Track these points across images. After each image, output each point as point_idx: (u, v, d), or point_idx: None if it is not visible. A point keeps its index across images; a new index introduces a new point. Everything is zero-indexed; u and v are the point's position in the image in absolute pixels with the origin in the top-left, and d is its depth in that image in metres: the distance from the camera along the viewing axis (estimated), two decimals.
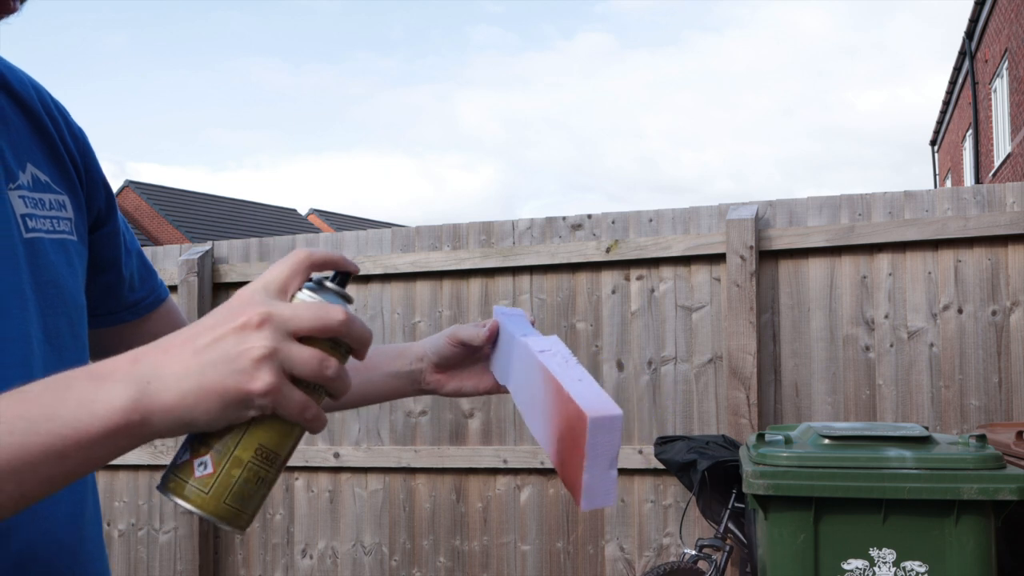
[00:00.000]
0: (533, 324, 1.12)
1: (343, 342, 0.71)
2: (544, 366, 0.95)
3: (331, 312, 0.69)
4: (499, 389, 1.14)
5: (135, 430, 0.65)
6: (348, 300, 0.74)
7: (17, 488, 0.63)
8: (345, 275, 0.75)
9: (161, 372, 0.66)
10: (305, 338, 0.69)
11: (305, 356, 0.67)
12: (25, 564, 0.81)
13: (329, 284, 0.74)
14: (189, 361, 0.66)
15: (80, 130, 0.99)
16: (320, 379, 0.69)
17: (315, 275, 0.74)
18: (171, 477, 0.71)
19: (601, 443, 0.87)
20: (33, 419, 0.63)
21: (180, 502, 0.70)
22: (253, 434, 0.70)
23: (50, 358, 0.86)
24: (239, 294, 0.70)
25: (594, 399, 0.88)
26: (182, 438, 0.72)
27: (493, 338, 1.12)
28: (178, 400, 0.65)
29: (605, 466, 0.88)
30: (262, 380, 0.66)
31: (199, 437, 0.70)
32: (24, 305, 0.83)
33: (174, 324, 1.11)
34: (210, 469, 0.69)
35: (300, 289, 0.72)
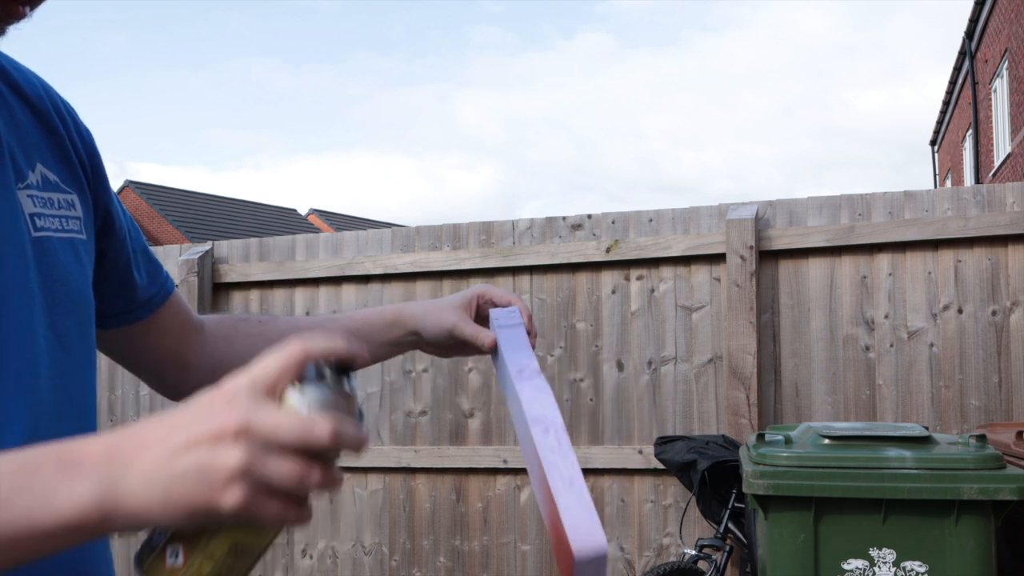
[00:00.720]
0: (529, 332, 1.12)
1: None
2: (537, 449, 0.94)
3: (318, 429, 0.62)
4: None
5: (92, 528, 0.63)
6: (350, 396, 0.68)
7: None
8: (348, 364, 0.69)
9: (130, 473, 0.62)
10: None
11: (284, 471, 0.62)
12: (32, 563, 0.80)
13: (328, 375, 0.67)
14: (160, 465, 0.62)
15: (87, 131, 0.99)
16: (302, 491, 0.64)
17: (316, 363, 0.67)
18: (145, 558, 0.69)
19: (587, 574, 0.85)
20: None
21: None
22: (228, 533, 0.67)
23: (57, 356, 0.85)
24: (225, 387, 0.65)
25: (582, 527, 0.85)
26: None
27: (495, 346, 1.12)
28: (142, 506, 0.62)
29: (580, 502, 0.87)
30: (232, 496, 0.61)
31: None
32: (31, 303, 0.83)
33: (181, 317, 1.11)
34: (181, 561, 0.67)
35: (293, 383, 0.66)
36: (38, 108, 0.92)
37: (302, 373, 0.67)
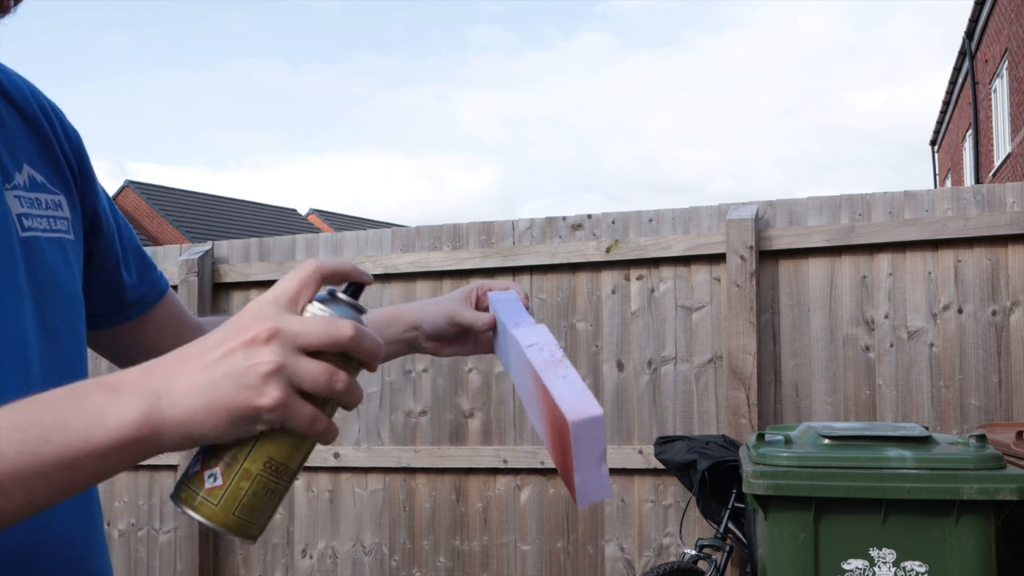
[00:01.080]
0: (527, 306, 1.15)
1: (353, 356, 0.71)
2: (531, 363, 0.97)
3: (340, 327, 0.69)
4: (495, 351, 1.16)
5: (145, 443, 0.66)
6: (361, 311, 0.74)
7: (27, 495, 0.64)
8: (358, 286, 0.75)
9: (172, 387, 0.67)
10: (315, 352, 0.69)
11: (314, 371, 0.67)
12: (28, 556, 0.81)
13: (341, 296, 0.73)
14: (199, 376, 0.67)
15: (74, 131, 1.00)
16: (330, 393, 0.69)
17: (328, 287, 0.74)
18: (183, 488, 0.71)
19: (586, 444, 0.89)
20: (46, 428, 0.64)
21: (191, 513, 0.70)
22: (263, 447, 0.70)
23: (48, 353, 0.86)
24: (250, 307, 0.70)
25: (576, 400, 0.89)
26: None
27: (493, 325, 1.15)
28: (187, 415, 0.66)
29: (594, 464, 0.90)
30: (270, 395, 0.66)
31: (210, 449, 0.71)
32: (21, 302, 0.84)
33: (177, 317, 1.11)
34: (220, 481, 0.70)
35: (311, 301, 0.72)
36: (25, 111, 0.93)
37: (317, 293, 0.72)
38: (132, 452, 0.66)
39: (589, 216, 4.39)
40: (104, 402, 0.66)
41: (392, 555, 4.57)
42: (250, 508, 0.71)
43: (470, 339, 1.18)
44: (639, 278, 4.30)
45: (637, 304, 4.29)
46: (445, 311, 1.16)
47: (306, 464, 4.85)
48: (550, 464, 4.31)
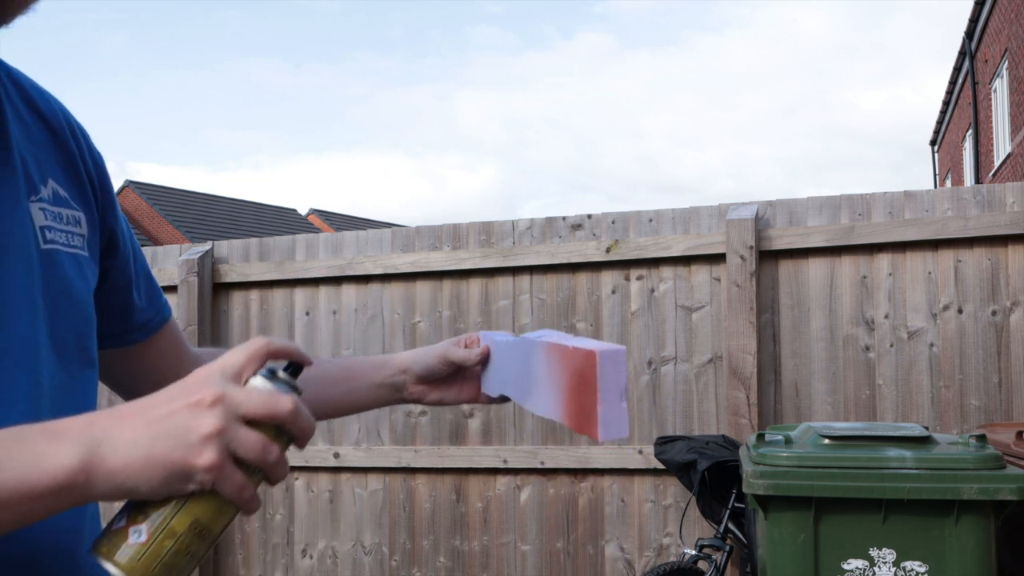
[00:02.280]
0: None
1: (287, 431, 0.74)
2: (545, 342, 1.05)
3: (281, 402, 0.72)
4: (479, 399, 1.19)
5: (78, 490, 0.68)
6: (298, 392, 0.77)
7: None
8: (298, 366, 0.79)
9: (112, 437, 0.69)
10: (252, 423, 0.72)
11: (251, 440, 0.71)
12: (26, 566, 0.82)
13: (281, 374, 0.77)
14: (141, 430, 0.69)
15: (99, 154, 1.02)
16: (262, 463, 0.72)
17: (270, 364, 0.78)
18: (104, 541, 0.72)
19: (610, 375, 0.96)
20: None
21: (109, 567, 0.71)
22: (190, 508, 0.72)
23: (54, 366, 0.88)
24: (197, 372, 0.74)
25: (598, 344, 0.98)
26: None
27: (485, 359, 1.17)
28: (124, 466, 0.68)
29: (616, 398, 0.96)
30: (207, 457, 0.69)
31: (137, 505, 0.72)
32: (34, 313, 0.86)
33: (178, 344, 1.13)
34: (144, 538, 0.71)
35: (254, 375, 0.76)
36: (54, 128, 0.96)
37: (261, 368, 0.77)
38: (64, 498, 0.68)
39: (589, 216, 4.39)
40: (44, 446, 0.67)
41: (392, 555, 4.57)
42: (169, 567, 0.71)
43: (457, 381, 1.20)
44: (639, 278, 4.30)
45: (637, 304, 4.29)
46: (438, 351, 1.19)
47: (306, 464, 4.85)
48: (550, 464, 4.31)
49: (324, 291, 4.76)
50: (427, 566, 4.51)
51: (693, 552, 3.74)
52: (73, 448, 0.68)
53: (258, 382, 0.75)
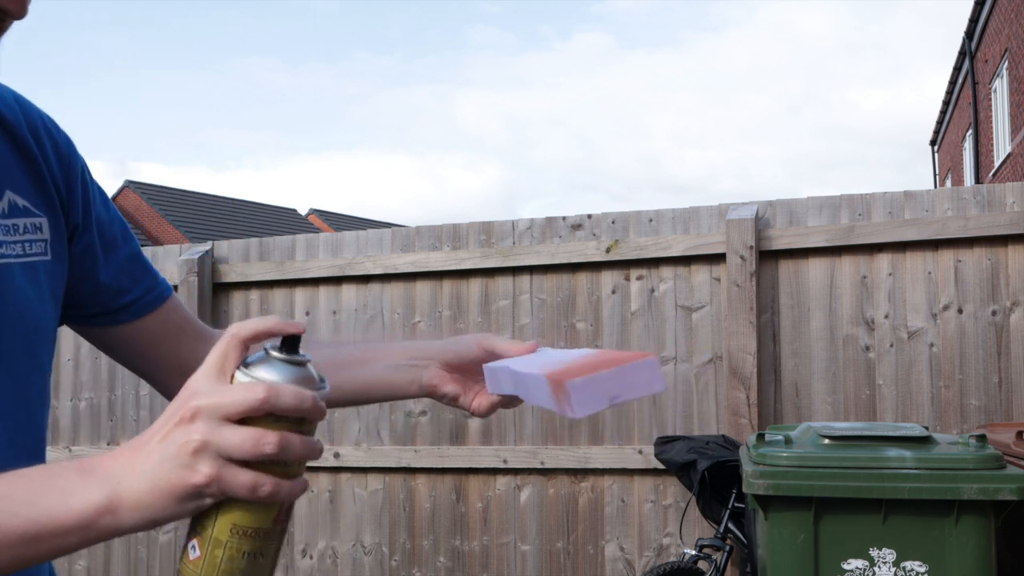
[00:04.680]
0: None
1: (280, 414, 0.71)
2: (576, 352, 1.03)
3: (252, 392, 0.70)
4: (489, 412, 1.13)
5: (106, 525, 0.70)
6: (299, 363, 0.74)
7: None
8: (292, 338, 0.74)
9: (128, 472, 0.71)
10: (249, 418, 0.70)
11: (237, 440, 0.69)
12: None
13: (273, 353, 0.74)
14: (145, 461, 0.71)
15: (66, 142, 1.02)
16: (261, 457, 0.70)
17: (266, 345, 0.74)
18: (180, 561, 0.76)
19: (634, 376, 0.97)
20: (16, 501, 0.69)
21: None
22: (224, 516, 0.72)
23: (2, 378, 0.90)
24: (187, 384, 0.73)
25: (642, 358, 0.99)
26: None
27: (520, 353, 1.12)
28: (140, 498, 0.70)
29: (612, 392, 0.97)
30: (201, 472, 0.69)
31: (192, 523, 0.74)
32: None
33: (178, 325, 1.13)
34: (198, 552, 0.73)
35: (240, 367, 0.73)
36: (14, 131, 0.96)
37: (247, 355, 0.74)
38: (93, 532, 0.70)
39: (589, 216, 4.39)
40: (73, 483, 0.71)
41: (392, 555, 4.57)
42: (231, 573, 0.73)
43: (478, 387, 1.14)
44: (639, 278, 4.30)
45: (637, 304, 4.29)
46: (475, 336, 1.15)
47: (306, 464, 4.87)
48: (550, 464, 4.31)
49: (324, 291, 4.76)
50: (427, 566, 4.51)
51: (693, 552, 3.74)
52: (98, 486, 0.70)
53: (240, 375, 0.73)
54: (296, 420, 0.72)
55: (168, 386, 1.14)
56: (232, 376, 0.73)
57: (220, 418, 0.70)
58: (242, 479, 0.70)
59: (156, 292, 1.11)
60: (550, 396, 0.98)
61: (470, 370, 1.13)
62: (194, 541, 0.73)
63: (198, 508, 0.71)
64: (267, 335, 0.75)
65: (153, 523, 0.71)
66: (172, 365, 1.13)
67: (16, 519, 0.69)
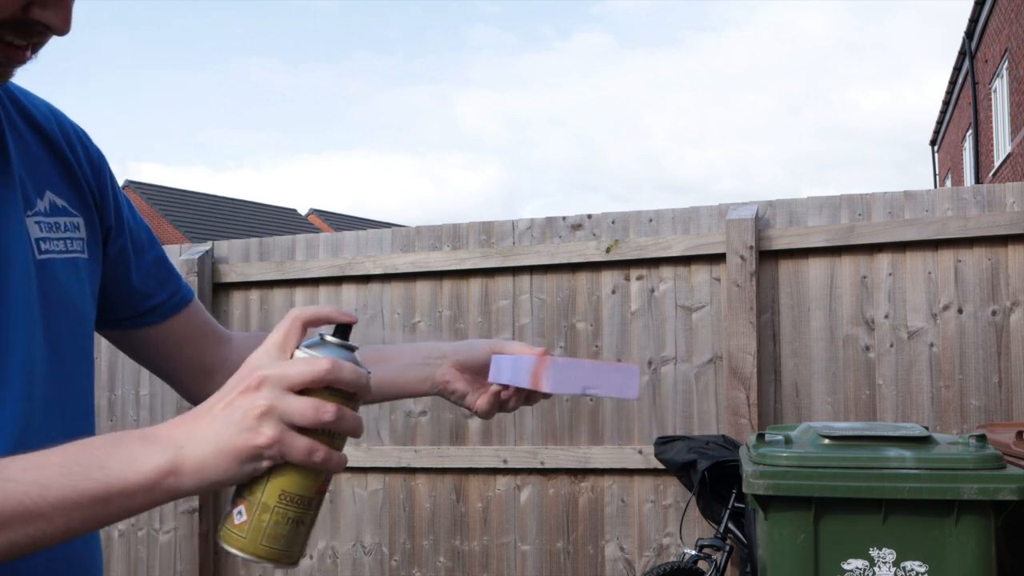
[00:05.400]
0: None
1: (339, 388, 0.79)
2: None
3: (317, 364, 0.78)
4: (488, 411, 1.18)
5: (169, 487, 0.77)
6: (350, 349, 0.82)
7: (65, 522, 0.74)
8: (344, 327, 0.82)
9: (190, 438, 0.77)
10: (307, 390, 0.78)
11: (300, 406, 0.77)
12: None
13: (329, 338, 0.81)
14: (208, 427, 0.78)
15: (97, 152, 1.09)
16: (320, 424, 0.77)
17: (320, 331, 0.83)
18: (221, 527, 0.82)
19: (612, 376, 1.03)
20: (87, 466, 0.75)
21: (226, 547, 0.80)
22: (274, 482, 0.79)
23: (51, 362, 0.96)
24: (248, 360, 0.80)
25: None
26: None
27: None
28: (202, 461, 0.77)
29: (587, 381, 1.03)
30: (265, 434, 0.76)
31: (238, 490, 0.81)
32: (32, 321, 0.94)
33: (201, 328, 1.20)
34: (245, 517, 0.80)
35: (299, 347, 0.81)
36: (50, 138, 1.02)
37: (305, 338, 0.82)
38: (158, 493, 0.77)
39: (589, 216, 4.39)
40: (138, 449, 0.77)
41: (392, 555, 4.57)
42: (275, 537, 0.80)
43: (485, 390, 1.19)
44: (639, 278, 4.30)
45: (637, 304, 4.29)
46: (488, 344, 1.22)
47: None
48: (550, 464, 4.31)
49: (324, 291, 4.76)
50: (427, 566, 4.51)
51: (693, 552, 3.74)
52: (161, 451, 0.76)
53: (301, 353, 0.80)
54: (348, 396, 0.80)
55: (191, 387, 1.21)
56: (292, 354, 0.80)
57: (285, 387, 0.77)
58: (300, 443, 0.77)
59: (180, 295, 1.17)
60: (530, 373, 1.06)
61: (481, 372, 1.20)
62: (241, 506, 0.79)
63: (255, 471, 0.77)
64: (325, 321, 0.82)
65: (213, 484, 0.77)
66: (196, 367, 1.20)
67: (89, 481, 0.74)
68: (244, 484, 0.79)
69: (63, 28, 0.88)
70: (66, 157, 1.03)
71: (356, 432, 0.80)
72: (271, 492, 0.79)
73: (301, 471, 0.79)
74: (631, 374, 1.06)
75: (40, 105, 1.04)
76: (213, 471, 0.77)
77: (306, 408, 0.77)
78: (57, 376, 0.97)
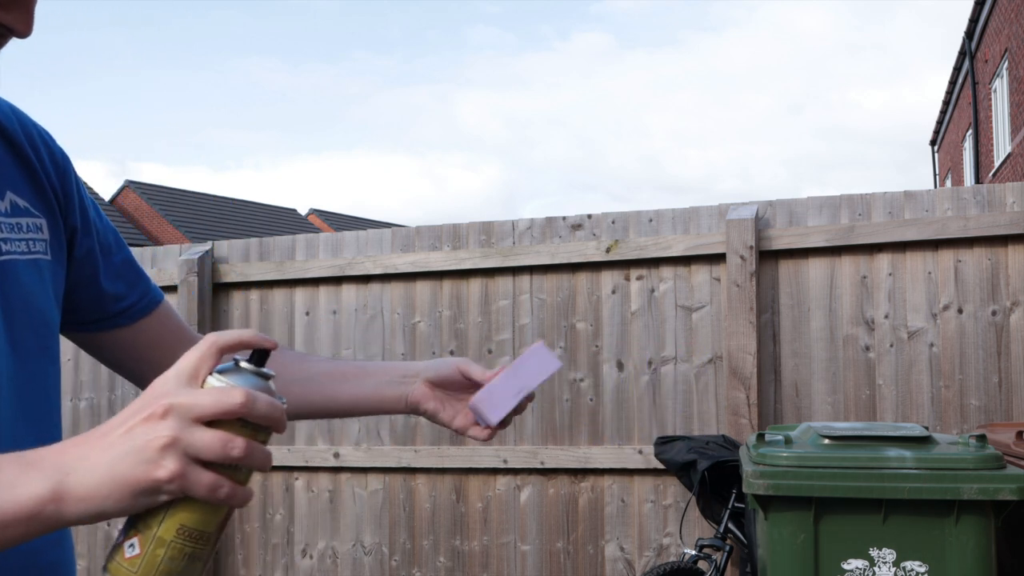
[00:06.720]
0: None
1: (250, 421, 0.73)
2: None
3: (230, 396, 0.72)
4: (465, 431, 1.20)
5: (50, 517, 0.71)
6: (265, 377, 0.76)
7: None
8: (262, 352, 0.77)
9: (79, 465, 0.71)
10: (216, 421, 0.72)
11: (207, 440, 0.71)
12: None
13: (244, 364, 0.76)
14: (103, 453, 0.71)
15: (62, 153, 1.06)
16: (227, 460, 0.72)
17: (236, 356, 0.77)
18: (109, 557, 0.75)
19: (529, 366, 1.07)
20: None
21: None
22: (174, 515, 0.73)
23: (14, 364, 0.94)
24: (154, 384, 0.74)
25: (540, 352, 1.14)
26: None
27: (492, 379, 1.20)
28: (91, 491, 0.71)
29: (515, 388, 1.06)
30: (166, 468, 0.70)
31: (131, 520, 0.74)
32: None
33: (173, 331, 1.17)
34: (138, 551, 0.73)
35: (212, 373, 0.75)
36: (12, 139, 1.00)
37: (219, 364, 0.76)
38: (36, 524, 0.70)
39: (589, 216, 4.39)
40: (17, 475, 0.71)
41: (392, 555, 4.57)
42: (169, 573, 0.74)
43: (459, 406, 1.21)
44: (639, 278, 4.30)
45: (637, 304, 4.29)
46: (455, 361, 1.22)
47: (306, 464, 4.84)
48: (550, 464, 4.31)
49: (324, 291, 4.76)
50: (427, 566, 4.51)
51: (693, 552, 3.74)
52: (42, 478, 0.70)
53: (214, 380, 0.74)
54: (259, 429, 0.74)
55: None
56: (203, 381, 0.74)
57: (192, 418, 0.71)
58: (204, 479, 0.71)
59: (150, 297, 1.15)
60: (478, 416, 1.13)
61: (451, 388, 1.22)
62: (134, 539, 0.73)
63: (150, 504, 0.72)
64: (245, 346, 0.77)
65: (99, 516, 0.71)
66: (161, 367, 1.16)
67: None
68: (138, 515, 0.74)
69: (25, 31, 0.86)
70: (29, 158, 1.01)
71: (264, 467, 0.75)
72: (168, 526, 0.73)
73: (203, 506, 0.73)
74: (539, 351, 1.08)
75: (2, 105, 1.02)
76: (103, 501, 0.71)
77: (213, 442, 0.71)
78: (20, 377, 0.94)
